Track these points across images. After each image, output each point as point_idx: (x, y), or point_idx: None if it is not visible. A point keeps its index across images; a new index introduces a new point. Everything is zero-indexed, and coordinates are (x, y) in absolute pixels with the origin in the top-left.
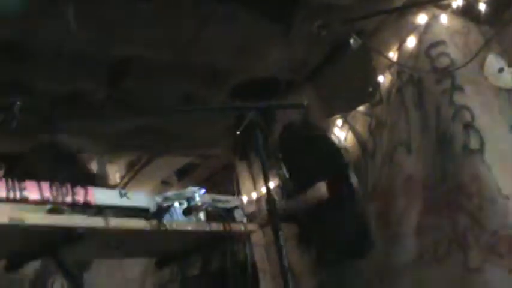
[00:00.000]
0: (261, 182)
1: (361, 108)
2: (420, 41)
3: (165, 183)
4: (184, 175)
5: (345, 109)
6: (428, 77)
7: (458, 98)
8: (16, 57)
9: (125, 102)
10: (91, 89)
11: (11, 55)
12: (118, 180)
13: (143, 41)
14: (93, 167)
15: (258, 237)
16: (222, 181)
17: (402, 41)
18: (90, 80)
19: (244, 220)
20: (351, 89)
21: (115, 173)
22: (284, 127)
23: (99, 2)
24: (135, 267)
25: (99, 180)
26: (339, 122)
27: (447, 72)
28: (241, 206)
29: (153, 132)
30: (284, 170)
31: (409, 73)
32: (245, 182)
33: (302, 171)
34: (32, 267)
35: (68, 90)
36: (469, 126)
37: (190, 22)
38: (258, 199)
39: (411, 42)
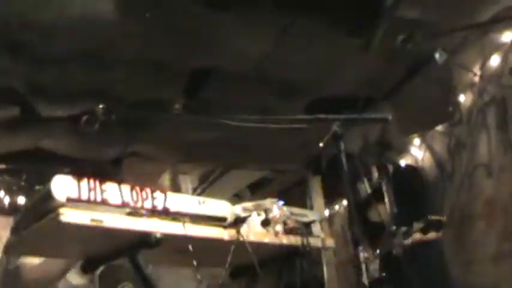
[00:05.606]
0: (334, 198)
1: (440, 127)
2: (504, 60)
3: (238, 197)
4: (257, 189)
5: (423, 128)
6: None
7: None
8: (96, 66)
9: (201, 112)
10: (168, 98)
11: (91, 64)
12: (190, 192)
13: (221, 53)
14: (166, 177)
15: (330, 257)
16: (295, 197)
17: (485, 60)
18: (168, 89)
19: (322, 235)
20: (430, 108)
21: (188, 184)
22: None
23: (179, 13)
24: (206, 279)
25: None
26: (417, 141)
27: None
28: (319, 221)
29: (229, 143)
30: (367, 184)
31: (492, 93)
32: (317, 198)
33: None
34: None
35: (146, 99)
36: None
37: (268, 35)
38: (331, 216)
39: (495, 60)
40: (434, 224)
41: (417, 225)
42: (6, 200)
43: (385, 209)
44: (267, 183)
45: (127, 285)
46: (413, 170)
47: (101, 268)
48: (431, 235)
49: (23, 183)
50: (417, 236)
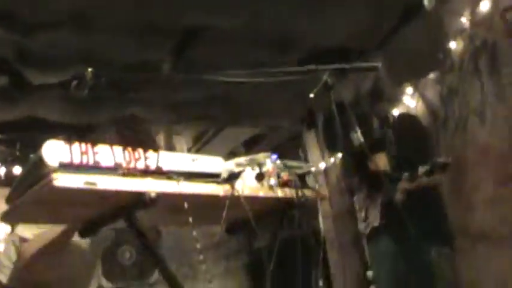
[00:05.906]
0: (329, 151)
1: (432, 75)
2: (495, 4)
3: (232, 155)
4: (251, 146)
5: (415, 76)
6: (503, 41)
7: None
8: (85, 28)
9: (191, 71)
10: (158, 59)
11: (79, 27)
12: (185, 152)
13: (209, 9)
14: (161, 138)
15: (326, 208)
16: (289, 152)
17: (475, 4)
18: (157, 49)
19: (316, 186)
20: (422, 56)
21: (182, 144)
22: None
23: None
24: (203, 237)
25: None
26: (409, 90)
27: None
28: (313, 172)
29: (221, 102)
30: (359, 133)
31: (483, 38)
32: (312, 152)
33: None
34: (102, 238)
35: (136, 60)
36: None
37: None
38: (326, 169)
39: (485, 5)
40: (439, 166)
41: (422, 169)
42: (2, 171)
43: (384, 159)
44: (261, 139)
45: (127, 248)
46: (412, 118)
47: (102, 233)
48: (435, 179)
49: (17, 153)
50: (422, 180)
